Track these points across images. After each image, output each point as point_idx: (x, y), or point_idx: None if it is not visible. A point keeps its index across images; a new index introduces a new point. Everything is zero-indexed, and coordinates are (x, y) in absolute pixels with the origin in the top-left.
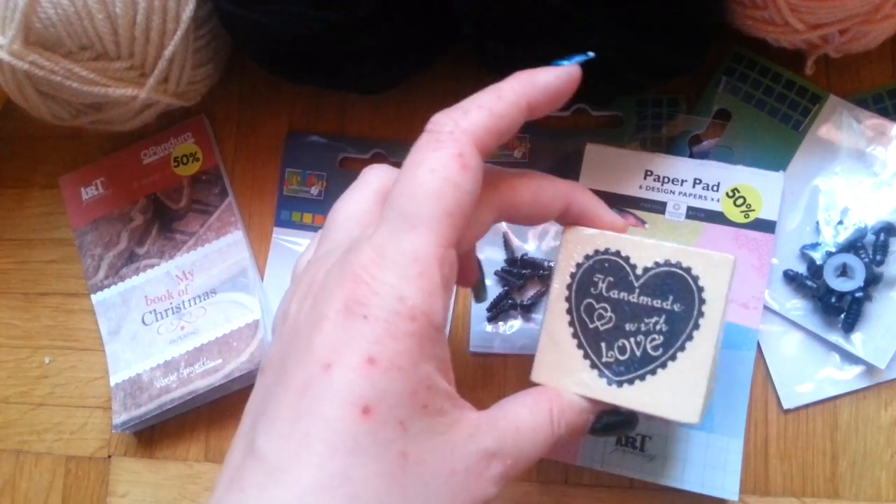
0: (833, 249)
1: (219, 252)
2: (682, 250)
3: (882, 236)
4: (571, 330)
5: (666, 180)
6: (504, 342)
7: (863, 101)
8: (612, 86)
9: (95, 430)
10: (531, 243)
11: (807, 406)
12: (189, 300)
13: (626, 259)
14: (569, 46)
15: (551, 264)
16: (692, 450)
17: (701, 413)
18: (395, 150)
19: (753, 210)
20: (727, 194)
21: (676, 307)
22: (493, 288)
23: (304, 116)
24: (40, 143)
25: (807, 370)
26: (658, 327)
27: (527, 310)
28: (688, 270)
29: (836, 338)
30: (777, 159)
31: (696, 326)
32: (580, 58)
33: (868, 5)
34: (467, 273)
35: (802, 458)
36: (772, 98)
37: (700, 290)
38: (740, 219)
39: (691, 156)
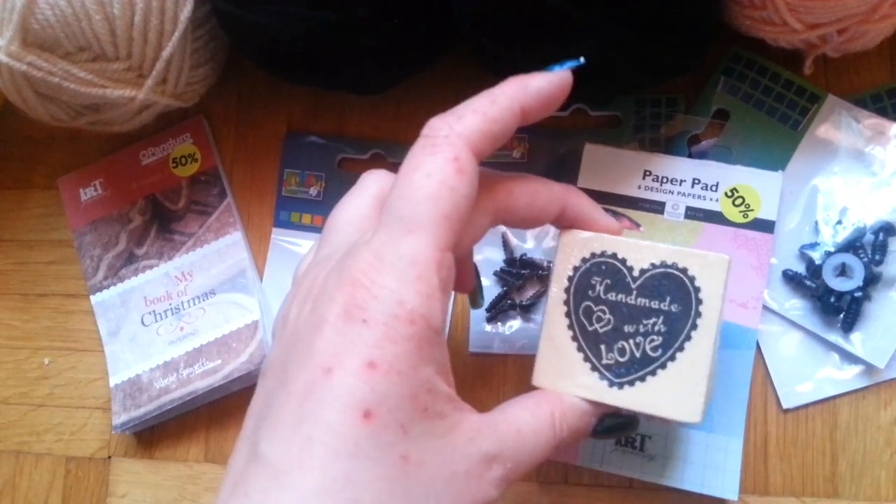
0: (832, 249)
1: (218, 253)
2: (677, 251)
3: (881, 236)
4: (571, 333)
5: (665, 180)
6: (503, 342)
7: (861, 100)
8: (611, 85)
9: (95, 431)
10: (530, 243)
11: (806, 406)
12: (188, 301)
13: (623, 261)
14: (568, 46)
15: (550, 264)
16: (692, 450)
17: (702, 412)
18: (393, 150)
19: (752, 210)
20: (726, 194)
21: (674, 308)
22: (492, 288)
23: (303, 117)
24: (39, 145)
25: (806, 370)
26: (657, 328)
27: (526, 310)
28: (684, 271)
29: (835, 337)
30: (776, 159)
31: (694, 326)
32: (572, 63)
33: (866, 5)
34: (464, 278)
35: (802, 457)
36: (770, 98)
37: (697, 290)
38: (739, 219)
39: (690, 156)
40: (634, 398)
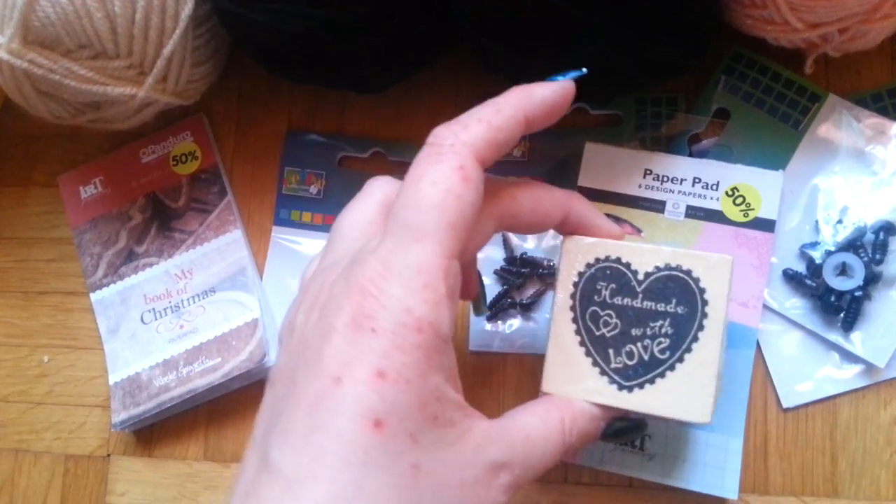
0: (832, 248)
1: (218, 251)
2: (680, 253)
3: (881, 235)
4: (578, 338)
5: (665, 179)
6: (503, 341)
7: (862, 100)
8: (611, 85)
9: (94, 429)
10: (530, 242)
11: (806, 405)
12: (188, 299)
13: (627, 265)
14: (569, 46)
15: (551, 262)
16: (692, 449)
17: (711, 412)
18: (393, 149)
19: (753, 209)
20: (726, 193)
21: (680, 310)
22: (493, 287)
23: (304, 115)
24: (39, 142)
25: (806, 369)
26: (664, 330)
27: (526, 308)
28: (688, 273)
29: (835, 337)
30: (776, 158)
31: (701, 327)
32: (574, 73)
33: (867, 4)
34: (468, 285)
35: (802, 456)
36: (771, 97)
37: (702, 291)
38: (740, 218)
39: (690, 155)
40: (644, 401)
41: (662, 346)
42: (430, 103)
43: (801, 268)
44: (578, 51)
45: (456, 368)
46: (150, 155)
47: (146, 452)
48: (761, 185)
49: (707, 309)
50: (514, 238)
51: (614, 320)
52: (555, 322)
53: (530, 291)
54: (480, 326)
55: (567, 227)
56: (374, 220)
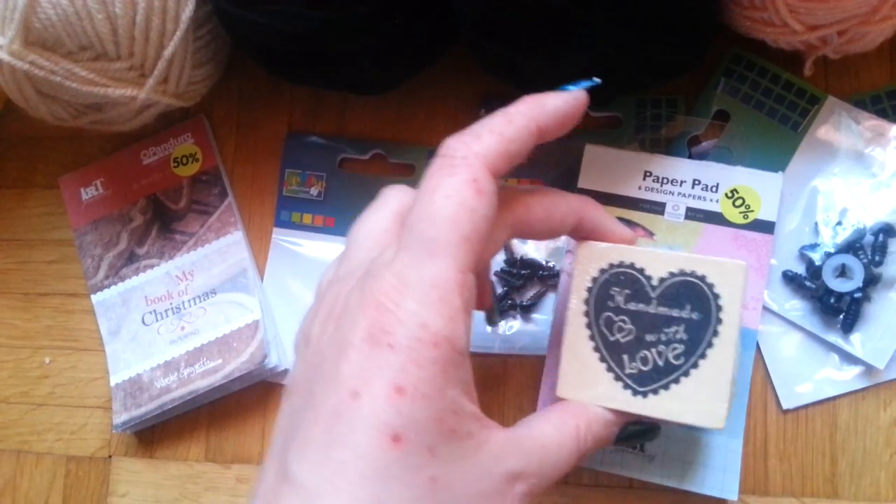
0: (832, 250)
1: (219, 252)
2: (695, 259)
3: (881, 237)
4: (593, 344)
5: (665, 181)
6: (504, 343)
7: (861, 102)
8: (611, 85)
9: (96, 430)
10: (531, 244)
11: (806, 406)
12: (189, 300)
13: (641, 271)
14: (569, 46)
15: (551, 265)
16: (692, 450)
17: (725, 417)
18: (394, 150)
19: (752, 211)
20: (726, 195)
21: (694, 315)
22: (493, 288)
23: (304, 117)
24: (40, 144)
25: (806, 370)
26: (678, 336)
27: (526, 310)
28: (702, 279)
29: (835, 338)
30: (776, 160)
31: (716, 333)
32: (586, 83)
33: (866, 7)
34: (482, 295)
35: (802, 458)
36: (770, 99)
37: (716, 297)
38: (739, 219)
39: (690, 157)
40: (659, 406)
41: (677, 351)
42: (431, 104)
43: (800, 269)
44: (579, 51)
45: (472, 380)
46: (150, 157)
47: (147, 454)
48: (761, 187)
49: (721, 315)
50: (514, 240)
51: (629, 326)
52: (569, 328)
53: (531, 293)
54: (481, 328)
55: (580, 233)
56: (389, 230)
